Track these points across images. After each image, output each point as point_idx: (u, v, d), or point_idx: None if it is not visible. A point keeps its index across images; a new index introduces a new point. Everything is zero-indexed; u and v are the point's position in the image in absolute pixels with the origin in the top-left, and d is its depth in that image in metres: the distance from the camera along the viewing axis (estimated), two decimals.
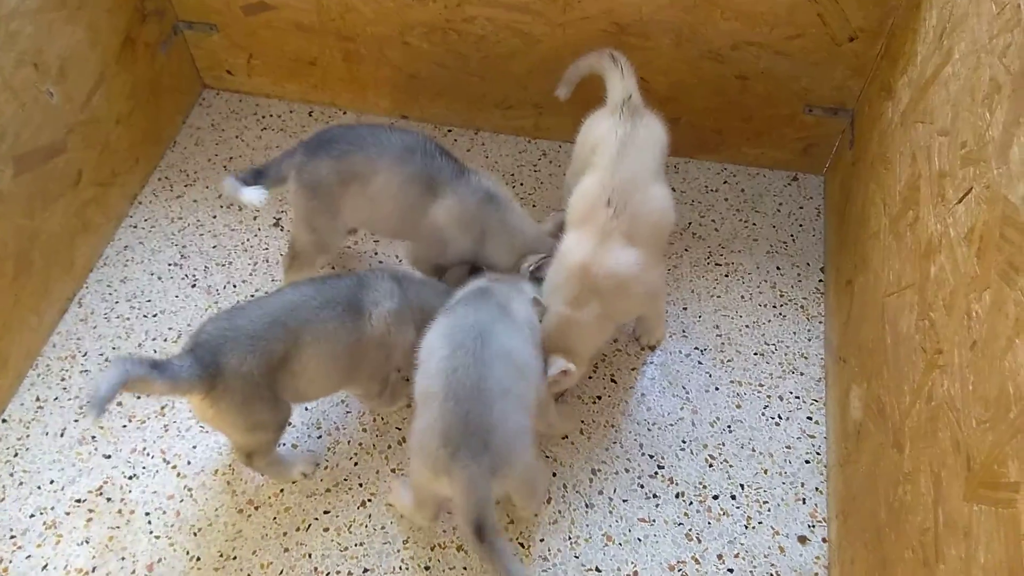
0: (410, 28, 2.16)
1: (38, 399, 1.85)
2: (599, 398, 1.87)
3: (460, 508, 1.37)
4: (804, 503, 1.71)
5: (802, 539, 1.67)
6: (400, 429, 1.82)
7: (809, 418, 1.83)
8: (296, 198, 1.81)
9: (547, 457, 1.77)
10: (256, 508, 1.70)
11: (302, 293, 1.57)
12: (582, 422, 1.83)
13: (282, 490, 1.73)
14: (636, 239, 1.62)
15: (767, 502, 1.71)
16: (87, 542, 1.66)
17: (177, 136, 2.38)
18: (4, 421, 1.81)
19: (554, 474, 1.75)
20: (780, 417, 1.84)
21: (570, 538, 1.67)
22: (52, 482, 1.73)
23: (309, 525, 1.68)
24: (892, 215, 1.61)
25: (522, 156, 2.34)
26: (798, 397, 1.87)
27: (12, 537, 1.66)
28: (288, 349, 1.51)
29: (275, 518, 1.69)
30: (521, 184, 2.26)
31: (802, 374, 1.90)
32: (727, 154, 2.30)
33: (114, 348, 1.94)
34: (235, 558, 1.64)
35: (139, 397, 1.84)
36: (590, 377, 1.89)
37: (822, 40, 1.95)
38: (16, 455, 1.77)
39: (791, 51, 2.00)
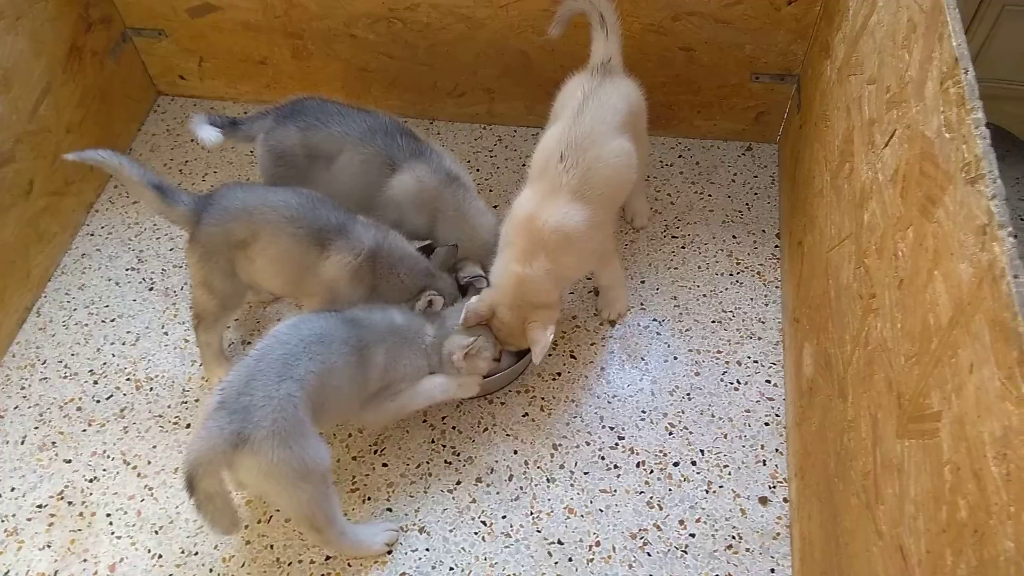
0: (355, 20, 2.17)
1: None
2: (559, 374, 1.87)
3: (185, 453, 1.37)
4: (764, 465, 1.71)
5: (763, 500, 1.66)
6: None
7: (768, 381, 1.83)
8: (262, 161, 1.87)
9: (508, 436, 1.77)
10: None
11: (285, 198, 1.67)
12: (542, 399, 1.83)
13: None
14: (587, 196, 1.63)
15: (727, 466, 1.71)
16: (49, 546, 1.65)
17: (133, 143, 2.39)
18: None
19: (515, 451, 1.75)
20: (739, 382, 1.84)
21: (532, 513, 1.66)
22: (13, 489, 1.73)
23: (271, 517, 1.68)
24: (832, 170, 1.61)
25: (478, 143, 2.34)
26: (756, 361, 1.87)
27: None
28: (247, 237, 1.65)
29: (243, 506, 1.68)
30: (478, 170, 2.27)
31: (760, 338, 1.90)
32: (680, 128, 2.30)
33: (73, 355, 1.93)
34: (197, 553, 1.63)
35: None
36: (549, 354, 1.89)
37: (761, 5, 1.96)
38: None
39: (732, 19, 2.00)
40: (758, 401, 1.80)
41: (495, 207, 2.13)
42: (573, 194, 1.62)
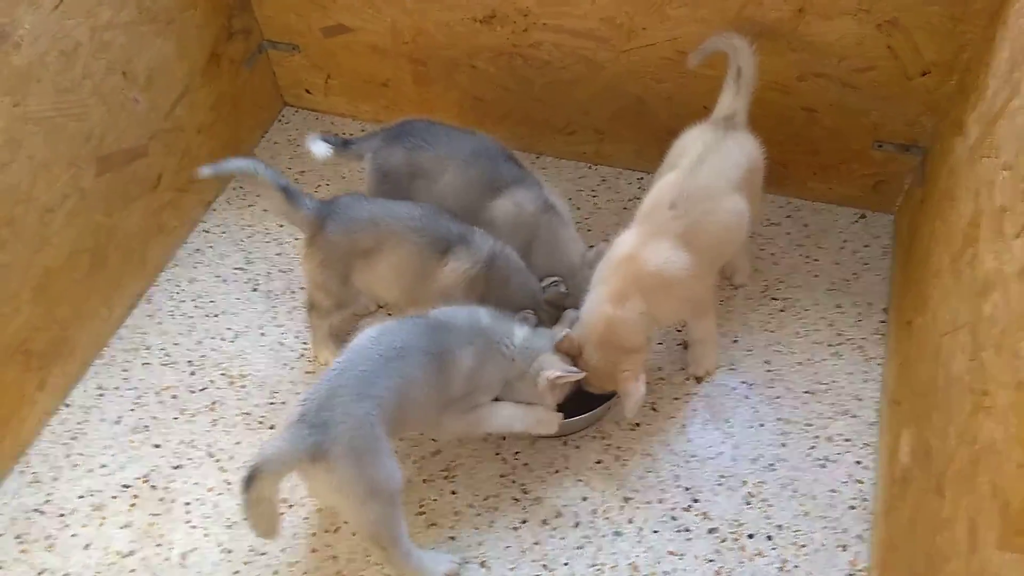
0: (478, 52, 2.22)
1: (100, 387, 1.95)
2: (638, 425, 1.83)
3: (259, 451, 1.38)
4: (845, 550, 1.62)
5: None
6: (434, 441, 1.82)
7: (858, 462, 1.74)
8: (369, 178, 1.94)
9: (579, 481, 1.74)
10: (290, 507, 1.73)
11: (409, 210, 1.75)
12: (617, 448, 1.80)
13: None
14: (692, 245, 1.61)
15: (805, 546, 1.63)
16: (129, 526, 1.72)
17: (255, 149, 2.50)
18: (67, 406, 1.92)
19: (584, 498, 1.72)
20: (827, 459, 1.75)
21: (595, 565, 1.62)
22: (103, 466, 1.82)
23: (338, 528, 1.70)
24: (953, 253, 1.53)
25: (582, 181, 2.35)
26: (848, 440, 1.78)
27: (61, 515, 1.74)
28: (372, 246, 1.72)
29: (306, 518, 1.72)
30: (579, 208, 2.27)
31: (854, 416, 1.81)
32: (792, 188, 2.24)
33: (175, 344, 2.03)
34: (264, 554, 1.67)
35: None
36: None
37: (893, 74, 1.89)
38: (74, 438, 1.86)
39: (860, 84, 1.94)
40: (845, 482, 1.71)
41: (591, 247, 2.12)
42: (678, 240, 1.60)
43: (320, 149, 1.90)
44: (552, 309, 1.77)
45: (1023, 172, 1.27)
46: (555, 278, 1.81)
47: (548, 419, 1.64)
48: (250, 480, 1.34)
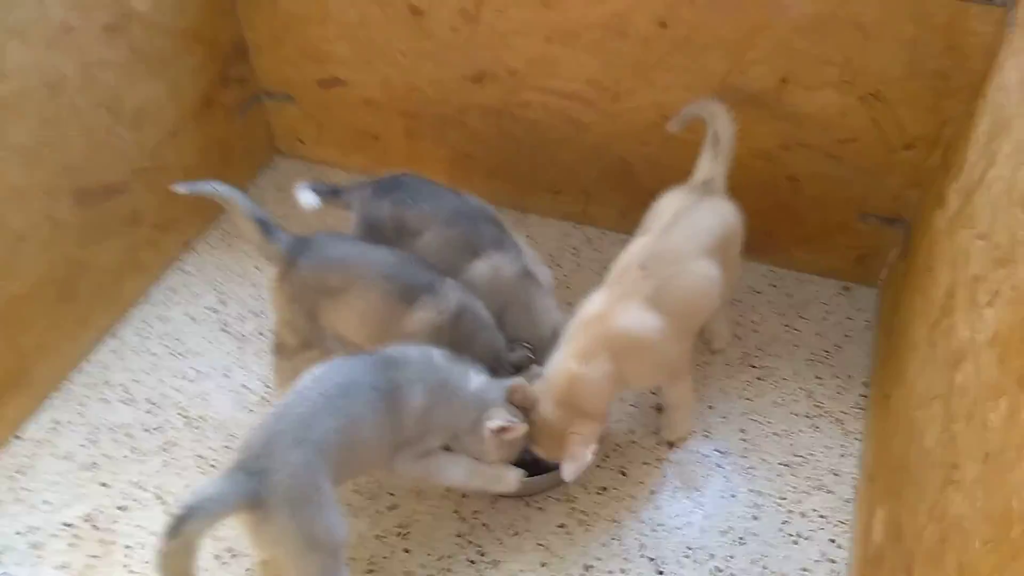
0: (468, 109, 2.23)
1: (54, 421, 1.89)
2: (605, 489, 1.76)
3: (190, 494, 1.27)
4: None
5: None
6: (393, 495, 1.75)
7: (832, 541, 1.66)
8: (355, 228, 1.92)
9: (539, 545, 1.66)
10: (233, 556, 1.65)
11: (383, 255, 1.71)
12: (582, 512, 1.72)
13: None
14: (661, 307, 1.57)
15: None
16: (65, 567, 1.64)
17: None
18: (19, 438, 1.86)
19: (543, 564, 1.64)
20: (800, 536, 1.67)
21: None
22: (47, 503, 1.74)
23: None
24: (930, 324, 1.49)
25: (566, 240, 2.33)
26: (823, 516, 1.70)
27: None
28: (340, 286, 1.68)
29: (250, 568, 1.64)
30: (560, 266, 2.24)
31: (830, 492, 1.74)
32: (775, 257, 2.22)
33: (136, 381, 1.98)
34: None
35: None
36: (598, 466, 1.79)
37: (876, 146, 1.89)
38: (21, 472, 1.80)
39: (844, 155, 1.94)
40: (818, 561, 1.63)
41: (569, 304, 2.08)
42: (647, 302, 1.57)
43: (308, 199, 1.89)
44: (515, 372, 1.72)
45: (997, 240, 1.24)
46: (525, 344, 1.77)
47: (508, 476, 1.57)
48: (179, 522, 1.23)
